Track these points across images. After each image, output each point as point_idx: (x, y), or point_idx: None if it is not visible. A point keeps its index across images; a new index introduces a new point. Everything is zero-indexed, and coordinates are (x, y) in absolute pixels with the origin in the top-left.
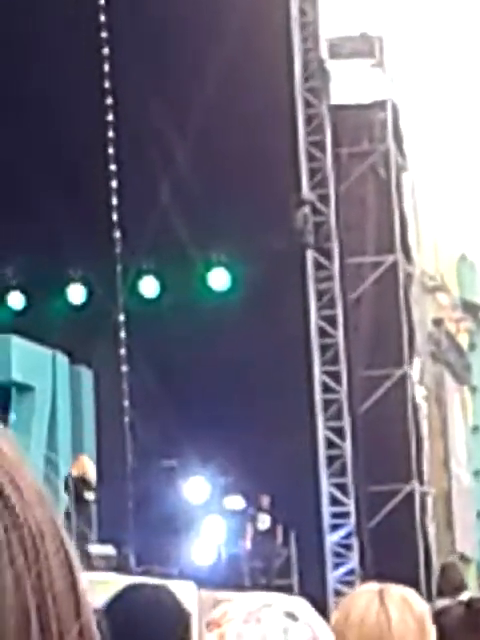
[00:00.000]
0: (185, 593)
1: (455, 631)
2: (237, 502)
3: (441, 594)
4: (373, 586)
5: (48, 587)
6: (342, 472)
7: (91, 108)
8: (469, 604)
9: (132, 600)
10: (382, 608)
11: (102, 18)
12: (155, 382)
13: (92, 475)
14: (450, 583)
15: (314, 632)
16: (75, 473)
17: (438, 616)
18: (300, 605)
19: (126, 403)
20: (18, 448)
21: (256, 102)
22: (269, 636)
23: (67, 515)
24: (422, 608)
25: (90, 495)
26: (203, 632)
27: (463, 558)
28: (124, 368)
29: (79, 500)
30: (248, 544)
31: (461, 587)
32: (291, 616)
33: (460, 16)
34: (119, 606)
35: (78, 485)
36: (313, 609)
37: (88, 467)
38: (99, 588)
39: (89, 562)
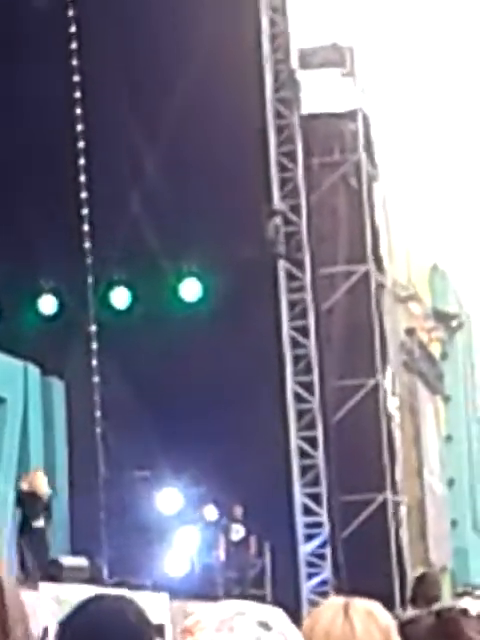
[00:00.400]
0: (158, 604)
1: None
2: (210, 512)
3: (414, 604)
4: (339, 600)
5: None
6: (315, 482)
7: (61, 119)
8: (439, 614)
9: (93, 612)
10: (346, 620)
11: (72, 29)
12: (127, 393)
13: (43, 490)
14: (425, 594)
15: None
16: (25, 488)
17: (406, 626)
18: (274, 614)
19: (98, 414)
20: None
21: (227, 112)
22: None
23: (20, 531)
24: (387, 621)
25: (39, 512)
26: None
27: (436, 568)
28: (96, 379)
29: (29, 516)
30: (222, 554)
31: (435, 598)
32: (264, 625)
33: (430, 27)
34: (80, 619)
35: (27, 500)
36: (288, 619)
37: (40, 482)
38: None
39: (61, 574)
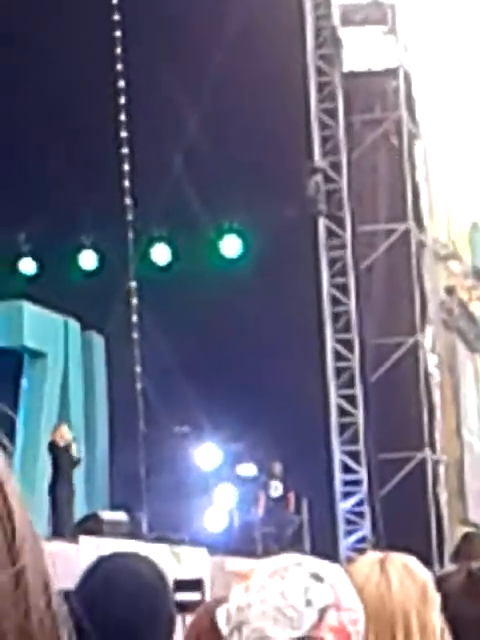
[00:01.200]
0: (197, 559)
1: (455, 598)
2: (249, 469)
3: (456, 561)
4: (376, 554)
5: None
6: (354, 440)
7: (103, 75)
8: (470, 572)
9: (108, 569)
10: (383, 575)
11: None
12: (167, 349)
13: (62, 443)
14: (468, 552)
15: (337, 596)
16: (53, 440)
17: (440, 582)
18: (330, 568)
19: (138, 369)
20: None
21: (268, 70)
22: (288, 592)
23: (52, 481)
24: (424, 575)
25: (68, 462)
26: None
27: (476, 527)
28: (136, 335)
29: (57, 467)
30: (260, 511)
31: (477, 557)
32: (316, 577)
33: None
34: (94, 576)
35: (56, 453)
36: (344, 575)
37: (65, 435)
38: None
39: (100, 528)
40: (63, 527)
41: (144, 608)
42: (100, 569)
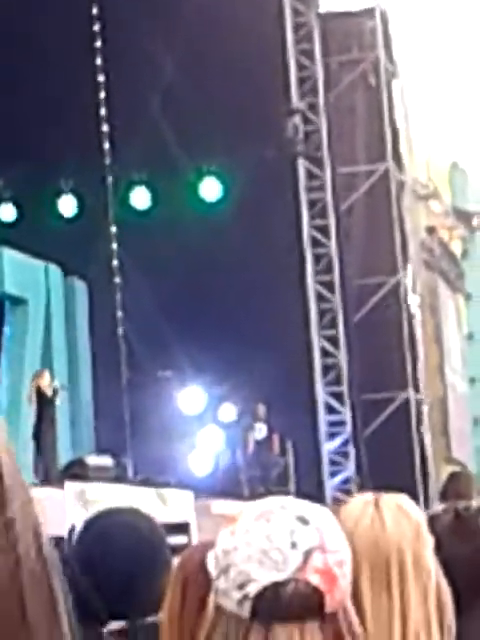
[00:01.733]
0: (183, 502)
1: (445, 538)
2: (233, 411)
3: (444, 500)
4: (368, 495)
5: None
6: (337, 381)
7: (78, 19)
8: (458, 511)
9: (106, 525)
10: (377, 514)
11: None
12: (149, 293)
13: (47, 390)
14: (456, 491)
15: (322, 539)
16: (34, 385)
17: (432, 522)
18: (316, 511)
19: (120, 314)
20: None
21: (244, 12)
22: (274, 535)
23: (36, 427)
24: (418, 515)
25: (53, 408)
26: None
27: (460, 465)
28: (117, 279)
29: (42, 414)
30: (245, 453)
31: (466, 496)
32: (302, 520)
33: None
34: (92, 531)
35: (42, 400)
36: (331, 517)
37: (51, 383)
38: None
39: (86, 473)
40: (48, 473)
41: (142, 563)
42: (96, 526)
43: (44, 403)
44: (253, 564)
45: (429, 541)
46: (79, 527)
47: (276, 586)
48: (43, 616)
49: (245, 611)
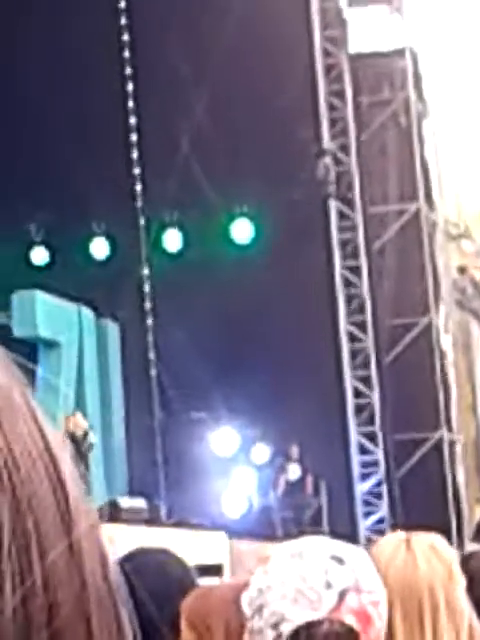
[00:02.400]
0: (216, 544)
1: (478, 578)
2: (266, 452)
3: (477, 540)
4: (400, 534)
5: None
6: (370, 421)
7: (110, 61)
8: None
9: (135, 566)
10: (409, 554)
11: None
12: (181, 335)
13: (79, 432)
14: None
15: (358, 579)
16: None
17: (466, 562)
18: (352, 552)
19: (152, 356)
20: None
21: (275, 53)
22: (309, 574)
23: None
24: (450, 555)
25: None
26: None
27: None
28: (149, 321)
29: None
30: (279, 494)
31: None
32: (337, 559)
33: None
34: (123, 571)
35: (75, 442)
36: (368, 559)
37: (81, 423)
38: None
39: (119, 515)
40: None
41: (171, 605)
42: (126, 568)
43: (79, 445)
44: (287, 603)
45: (461, 581)
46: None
47: (311, 626)
48: None
49: None
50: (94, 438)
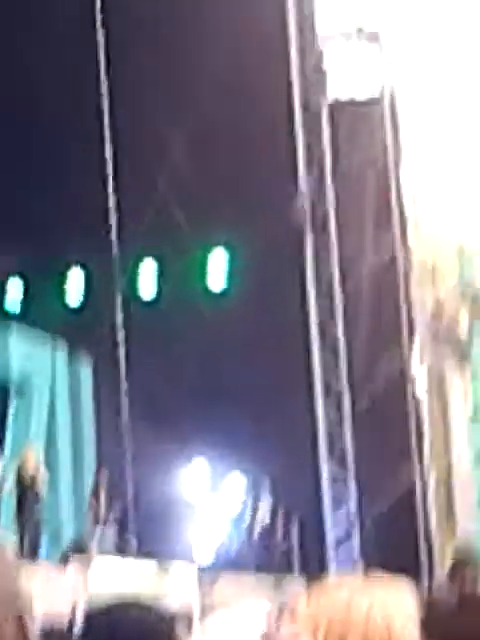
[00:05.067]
0: (186, 576)
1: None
2: (238, 485)
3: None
4: (355, 580)
5: None
6: (342, 460)
7: (87, 95)
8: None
9: (114, 621)
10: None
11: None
12: (153, 370)
13: (33, 471)
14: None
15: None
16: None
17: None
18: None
19: (125, 386)
20: None
21: (254, 94)
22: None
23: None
24: (401, 611)
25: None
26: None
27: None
28: (121, 355)
29: (25, 493)
30: (250, 527)
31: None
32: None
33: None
34: (101, 627)
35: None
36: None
37: (31, 462)
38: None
39: (88, 546)
40: (33, 549)
41: None
42: (104, 621)
43: (26, 483)
44: None
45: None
46: (83, 621)
47: None
48: None
49: None
50: (45, 474)
